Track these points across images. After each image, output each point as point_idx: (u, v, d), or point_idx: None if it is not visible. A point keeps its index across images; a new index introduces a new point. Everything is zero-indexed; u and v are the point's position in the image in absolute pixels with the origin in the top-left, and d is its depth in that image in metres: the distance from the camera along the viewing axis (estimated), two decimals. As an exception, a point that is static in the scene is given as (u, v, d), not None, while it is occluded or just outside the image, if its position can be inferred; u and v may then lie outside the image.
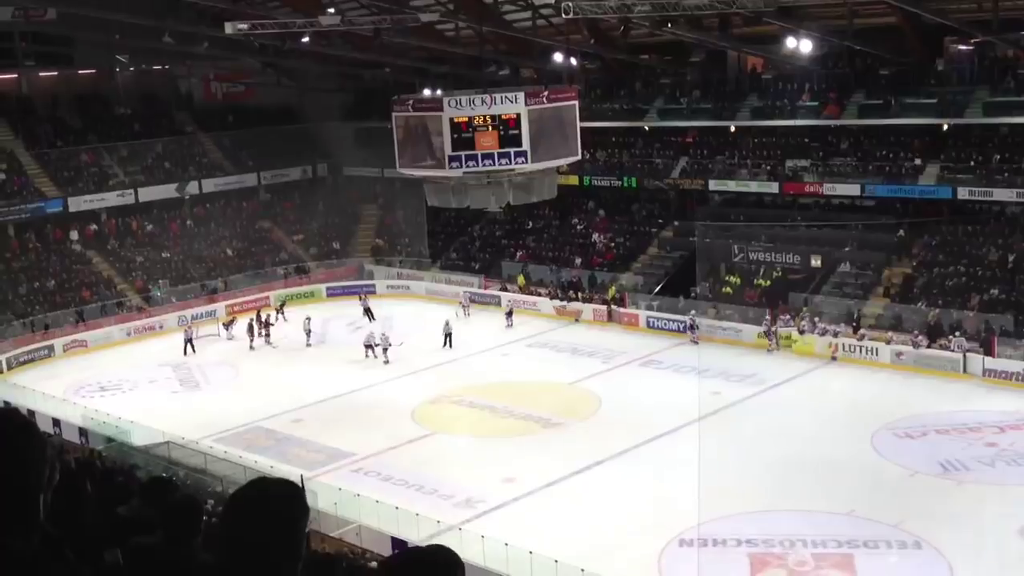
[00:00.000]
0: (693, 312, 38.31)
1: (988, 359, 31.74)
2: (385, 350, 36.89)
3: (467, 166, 29.30)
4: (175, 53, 47.54)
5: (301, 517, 2.49)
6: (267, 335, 40.14)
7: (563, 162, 32.70)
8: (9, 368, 37.96)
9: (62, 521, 3.14)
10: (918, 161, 39.03)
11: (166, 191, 49.25)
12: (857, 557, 20.97)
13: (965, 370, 31.84)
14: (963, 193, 37.15)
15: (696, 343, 36.73)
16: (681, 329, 38.22)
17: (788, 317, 36.42)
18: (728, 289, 40.23)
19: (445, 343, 37.73)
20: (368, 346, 37.45)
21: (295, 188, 53.29)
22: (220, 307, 44.24)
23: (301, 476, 23.27)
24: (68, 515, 3.84)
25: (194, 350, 39.03)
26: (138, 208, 48.65)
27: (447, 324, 38.44)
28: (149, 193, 48.68)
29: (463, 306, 41.81)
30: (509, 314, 41.07)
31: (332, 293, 46.65)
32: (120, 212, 48.28)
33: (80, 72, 51.24)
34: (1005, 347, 31.98)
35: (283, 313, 41.07)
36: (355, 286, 47.59)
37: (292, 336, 40.60)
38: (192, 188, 49.91)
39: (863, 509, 22.84)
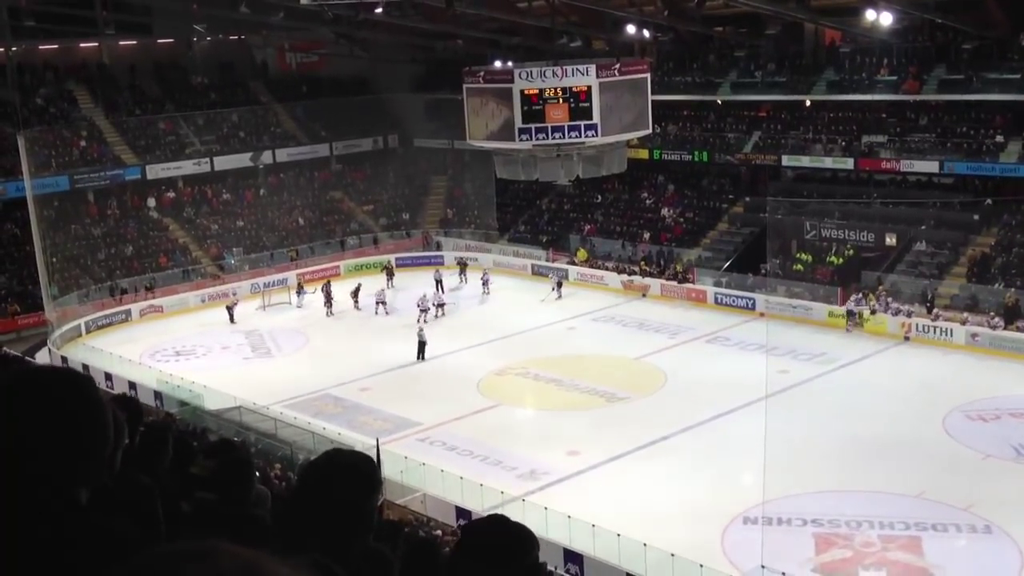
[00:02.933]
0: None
1: (1068, 342, 30.91)
2: (440, 306, 39.10)
3: (537, 139, 29.30)
4: (251, 23, 48.06)
5: (373, 491, 2.56)
6: (329, 305, 40.61)
7: (634, 135, 32.53)
8: (87, 332, 39.13)
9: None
10: (1000, 138, 37.94)
11: (241, 160, 50.03)
12: (925, 540, 20.70)
13: (1043, 353, 31.05)
14: (1046, 171, 36.05)
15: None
16: (748, 306, 37.88)
17: (860, 296, 35.80)
18: (799, 267, 39.66)
19: (419, 356, 34.15)
20: (423, 309, 38.70)
21: (366, 159, 53.74)
22: (292, 275, 44.96)
23: (377, 440, 23.73)
24: (148, 471, 4.01)
25: (233, 320, 39.72)
26: (213, 177, 49.53)
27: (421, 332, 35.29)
28: (224, 162, 49.51)
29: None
30: (558, 285, 41.14)
31: (401, 264, 47.07)
32: (196, 180, 49.22)
33: (158, 41, 52.17)
34: (1086, 330, 31.10)
35: (358, 297, 41.38)
36: (423, 257, 48.04)
37: (363, 304, 41.09)
38: (266, 157, 50.63)
39: (932, 492, 22.50)
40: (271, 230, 48.83)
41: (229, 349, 36.91)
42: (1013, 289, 33.89)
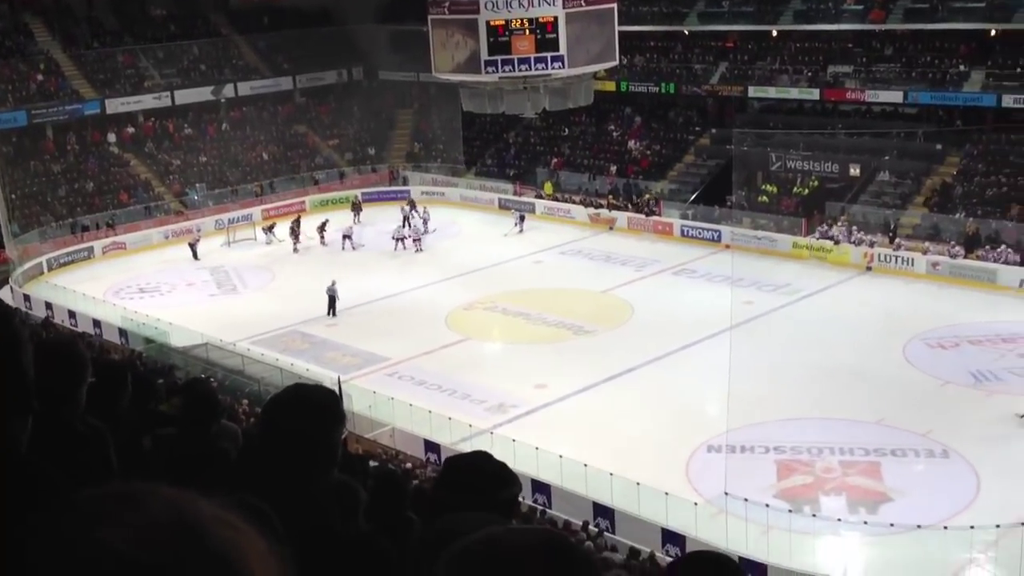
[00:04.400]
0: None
1: (1026, 271, 31.42)
2: (417, 240, 38.94)
3: (503, 71, 29.02)
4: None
5: (336, 425, 2.58)
6: (296, 241, 40.34)
7: (600, 67, 32.29)
8: (50, 269, 38.70)
9: (101, 414, 3.32)
10: (963, 67, 38.07)
11: (202, 94, 49.19)
12: (884, 465, 21.19)
13: (1001, 281, 31.54)
14: (1008, 101, 36.26)
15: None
16: (714, 238, 38.13)
17: (826, 228, 36.08)
18: (764, 198, 39.84)
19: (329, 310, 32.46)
20: (398, 239, 39.12)
21: (330, 92, 53.00)
22: (256, 211, 44.56)
23: (338, 378, 23.78)
24: (108, 408, 4.02)
25: (196, 257, 39.43)
26: (175, 111, 48.70)
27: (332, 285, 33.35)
28: (185, 96, 48.66)
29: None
30: (520, 219, 41.19)
31: (367, 199, 46.73)
32: (157, 115, 48.38)
33: (114, -28, 50.86)
34: (1044, 259, 31.60)
35: (324, 232, 41.05)
36: (390, 192, 47.75)
37: (330, 240, 40.90)
38: (228, 91, 49.79)
39: (892, 418, 22.98)
40: (235, 165, 48.24)
41: (194, 286, 36.68)
42: (972, 218, 34.29)
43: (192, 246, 39.91)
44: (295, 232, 40.30)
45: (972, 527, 17.78)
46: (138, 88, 47.93)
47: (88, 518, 1.06)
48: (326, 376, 24.09)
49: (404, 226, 40.79)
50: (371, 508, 3.79)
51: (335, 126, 52.37)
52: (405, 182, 49.19)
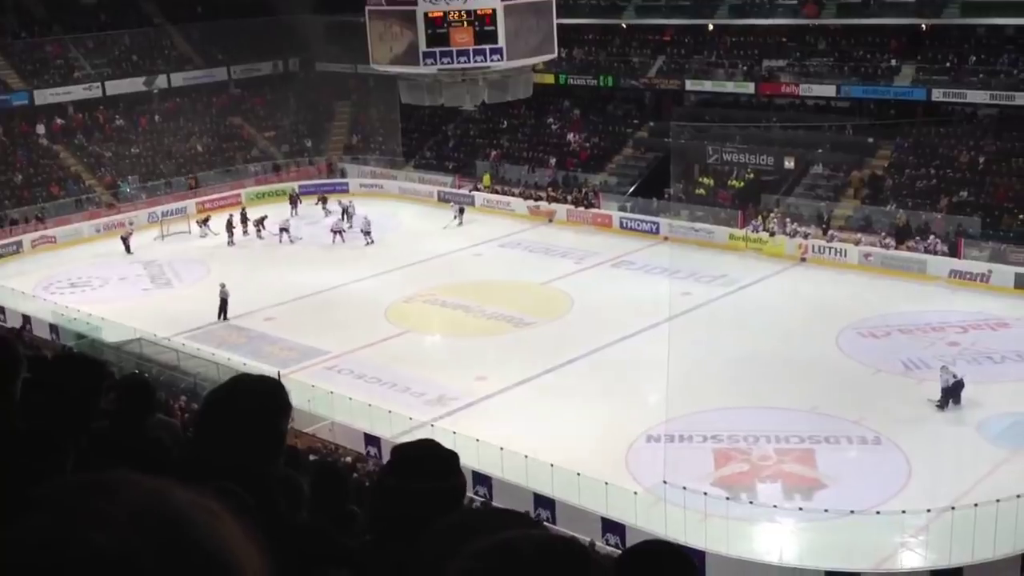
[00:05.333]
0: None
1: (954, 260, 32.18)
2: (367, 233, 38.68)
3: (441, 63, 28.93)
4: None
5: (281, 414, 2.53)
6: (231, 235, 39.76)
7: (539, 60, 32.33)
8: (-22, 264, 37.72)
9: (36, 412, 3.24)
10: (894, 62, 38.85)
11: (134, 85, 48.28)
12: (818, 452, 21.58)
13: (931, 271, 32.28)
14: (937, 95, 37.10)
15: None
16: (653, 230, 38.46)
17: (759, 222, 36.60)
18: (701, 191, 40.27)
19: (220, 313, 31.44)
20: (336, 231, 38.92)
21: (266, 83, 52.35)
22: (191, 204, 43.88)
23: (278, 373, 23.51)
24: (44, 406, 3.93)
25: (129, 251, 38.72)
26: (105, 102, 47.73)
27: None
28: (117, 87, 47.71)
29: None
30: (460, 212, 41.14)
31: (305, 191, 46.28)
32: (87, 106, 47.40)
33: (41, -40, 49.64)
34: (971, 248, 32.40)
35: (263, 225, 40.53)
36: (328, 184, 47.33)
37: (267, 233, 40.45)
38: (161, 82, 48.95)
39: (826, 406, 23.40)
40: (168, 157, 47.43)
41: (127, 280, 36.01)
42: (903, 210, 35.03)
43: (124, 240, 39.17)
44: (231, 225, 39.75)
45: (903, 512, 18.20)
46: (68, 79, 46.90)
47: (62, 510, 1.02)
48: (265, 371, 23.80)
49: (342, 219, 40.50)
50: (313, 502, 3.75)
51: (271, 118, 51.75)
52: (343, 175, 48.81)
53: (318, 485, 4.59)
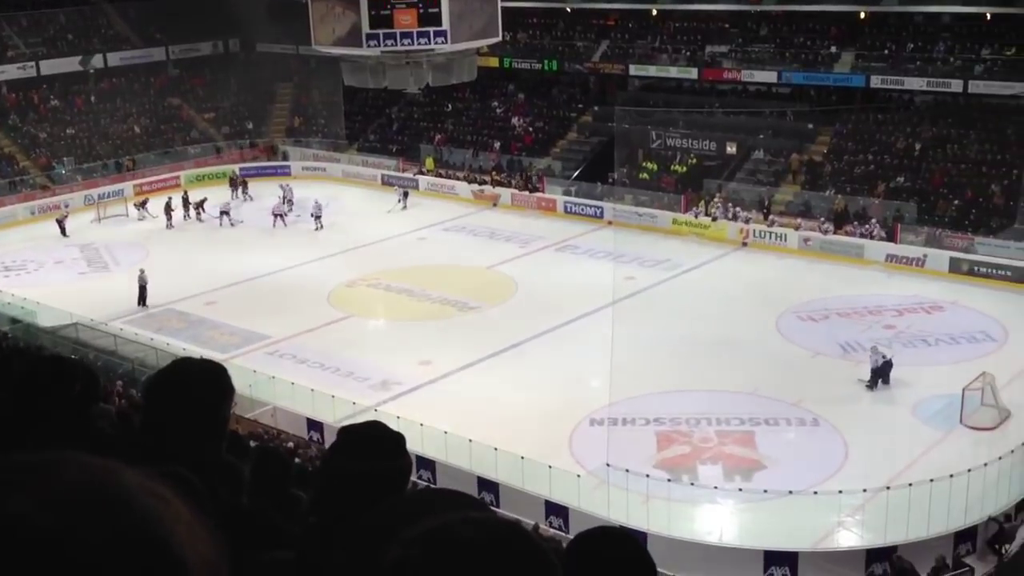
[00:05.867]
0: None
1: (891, 245, 32.79)
2: (318, 217, 38.20)
3: (385, 45, 28.64)
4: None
5: (225, 396, 2.51)
6: (170, 218, 39.14)
7: (483, 43, 32.14)
8: (-93, 248, 36.68)
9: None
10: (834, 49, 39.37)
11: (70, 64, 47.21)
12: (758, 434, 21.91)
13: (869, 256, 32.86)
14: (876, 81, 37.72)
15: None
16: (597, 215, 38.63)
17: (701, 207, 36.93)
18: (645, 175, 40.51)
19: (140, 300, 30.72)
20: (277, 215, 38.46)
21: (205, 64, 51.50)
22: (128, 186, 43.09)
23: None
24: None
25: (65, 234, 37.94)
26: (40, 82, 46.64)
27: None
28: (52, 66, 46.64)
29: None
30: (404, 196, 40.96)
31: (246, 174, 45.68)
32: (21, 86, 46.25)
33: (-29, -66, 48.25)
34: (907, 233, 33.04)
35: (203, 208, 40.00)
36: (270, 167, 46.79)
37: (207, 216, 39.90)
38: (97, 61, 47.94)
39: (766, 389, 23.74)
40: (104, 138, 46.49)
41: (63, 264, 35.28)
42: (841, 195, 35.58)
43: (60, 222, 38.32)
44: (170, 208, 39.08)
45: (840, 492, 18.55)
46: (1, 58, 45.69)
47: (2, 486, 0.99)
48: (205, 356, 23.51)
49: (283, 202, 40.06)
50: (255, 486, 3.70)
51: (211, 99, 50.94)
52: (285, 157, 48.25)
53: (259, 470, 4.54)
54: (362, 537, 1.66)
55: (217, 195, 41.19)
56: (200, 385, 2.49)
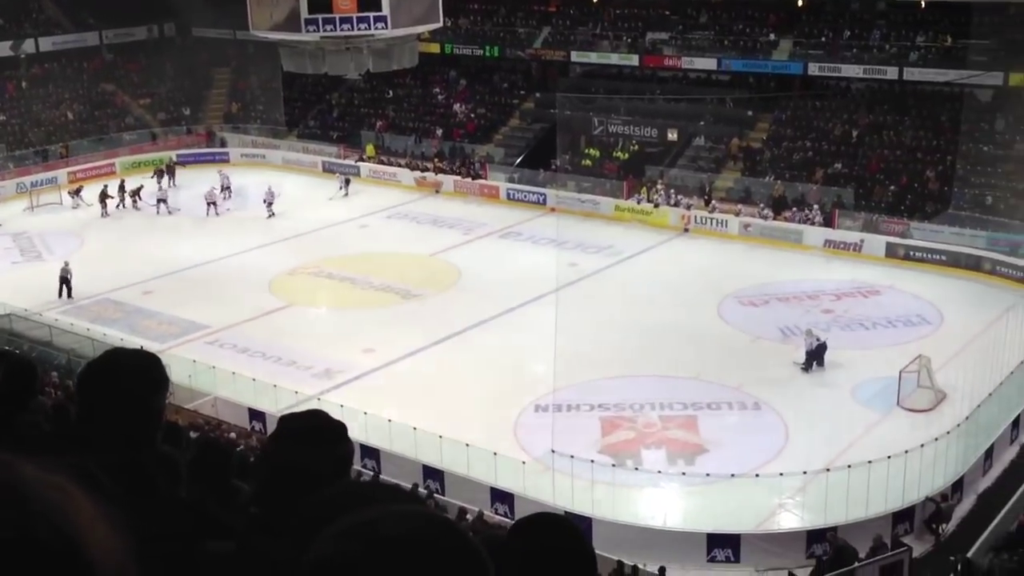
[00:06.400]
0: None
1: (829, 230, 33.28)
2: (270, 204, 37.68)
3: (324, 30, 28.30)
4: None
5: (158, 387, 2.46)
6: (105, 206, 38.30)
7: (424, 28, 31.97)
8: None
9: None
10: (772, 36, 39.77)
11: (0, 49, 45.94)
12: (700, 418, 22.12)
13: (807, 241, 33.31)
14: (813, 69, 38.17)
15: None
16: (540, 201, 38.68)
17: (643, 194, 37.14)
18: (588, 162, 40.62)
19: (61, 291, 30.07)
20: (210, 203, 37.86)
21: (140, 49, 50.47)
22: (62, 174, 42.15)
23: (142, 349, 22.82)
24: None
25: None
26: (-33, 67, 45.37)
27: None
28: (-21, 51, 45.38)
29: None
30: (346, 183, 40.67)
31: (183, 160, 44.90)
32: (-53, 71, 44.97)
33: None
34: (845, 219, 33.55)
35: (139, 196, 39.26)
36: (207, 153, 46.09)
37: (143, 203, 39.18)
38: (28, 47, 46.72)
39: (708, 373, 23.98)
40: (37, 125, 45.38)
41: (-5, 254, 34.43)
42: (781, 182, 36.02)
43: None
44: (105, 196, 38.25)
45: (781, 474, 18.82)
46: (-75, 41, 44.38)
47: None
48: (142, 346, 23.10)
49: (220, 190, 39.46)
50: (194, 477, 3.62)
51: (146, 85, 49.97)
52: (223, 144, 47.53)
53: (199, 461, 4.44)
54: (298, 527, 1.63)
55: (153, 182, 40.38)
56: (132, 376, 2.44)
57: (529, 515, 2.16)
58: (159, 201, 38.57)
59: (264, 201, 37.93)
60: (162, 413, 2.57)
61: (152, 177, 40.86)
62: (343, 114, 47.87)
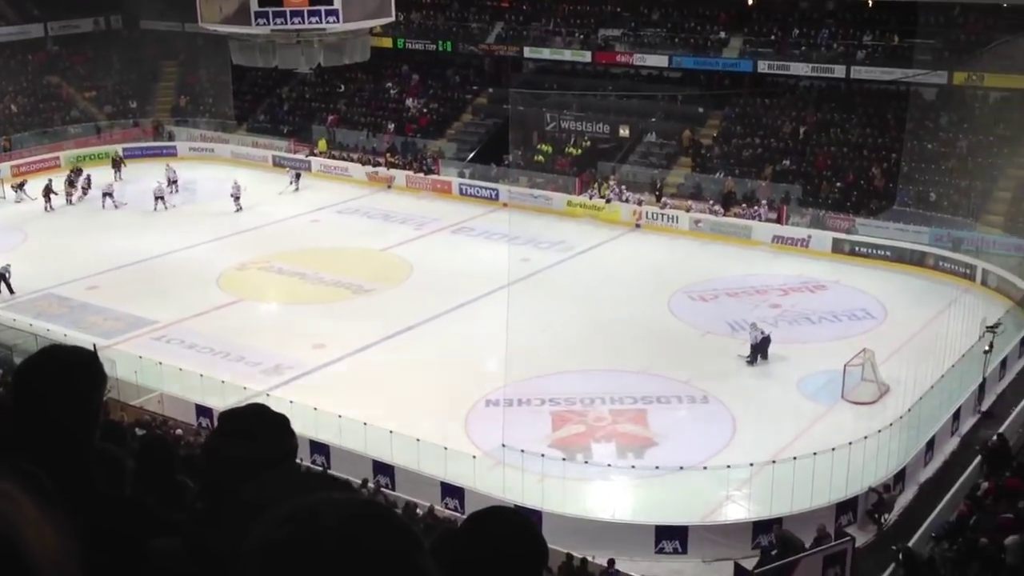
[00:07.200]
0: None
1: (777, 226, 33.69)
2: (237, 199, 37.28)
3: (275, 23, 28.05)
4: None
5: (95, 385, 2.42)
6: (49, 200, 37.62)
7: (376, 23, 31.80)
8: None
9: None
10: (723, 34, 40.12)
11: (-62, 40, 45.04)
12: (650, 412, 22.31)
13: (756, 237, 33.69)
14: (763, 67, 38.54)
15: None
16: (492, 197, 38.70)
17: (595, 189, 37.32)
18: (540, 158, 40.69)
19: None
20: (159, 197, 37.47)
21: (87, 41, 49.63)
22: (5, 167, 41.35)
23: (94, 345, 22.51)
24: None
25: None
26: (-94, 57, 44.33)
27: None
28: (-82, 41, 44.36)
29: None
30: (296, 178, 40.35)
31: (130, 155, 44.25)
32: None
33: None
34: (793, 215, 33.98)
35: (85, 190, 38.70)
36: (154, 147, 45.49)
37: (89, 197, 38.59)
38: (-32, 37, 45.75)
39: (658, 367, 24.18)
40: (-21, 117, 44.48)
41: (-66, 248, 33.68)
42: (731, 178, 36.38)
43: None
44: (49, 191, 37.53)
45: (728, 467, 19.02)
46: None
47: None
48: (87, 342, 22.75)
49: (167, 185, 38.98)
50: (139, 475, 3.62)
51: (92, 77, 49.16)
52: (171, 138, 46.94)
53: (144, 458, 4.43)
54: (236, 514, 1.64)
55: (98, 176, 39.76)
56: (69, 372, 2.41)
57: (482, 509, 2.18)
58: (105, 195, 38.00)
59: (231, 196, 37.53)
60: (100, 410, 2.56)
61: (113, 170, 40.32)
62: (294, 108, 47.49)
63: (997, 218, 31.92)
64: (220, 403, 21.42)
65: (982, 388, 22.37)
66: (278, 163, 43.46)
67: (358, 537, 1.22)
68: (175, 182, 39.54)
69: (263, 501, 1.54)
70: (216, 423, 2.46)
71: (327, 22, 28.27)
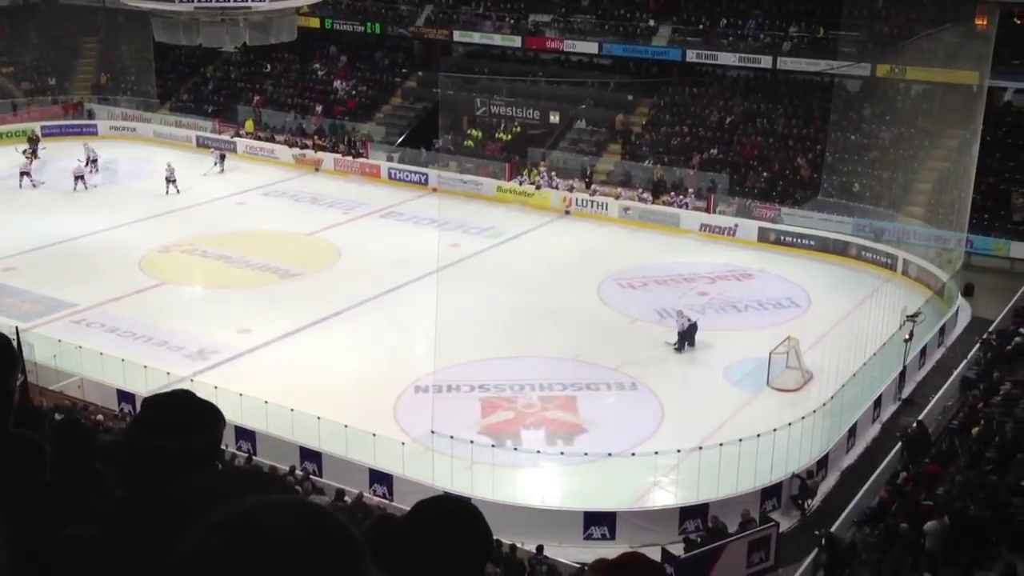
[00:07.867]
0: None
1: (705, 215, 34.04)
2: (172, 182, 36.40)
3: (198, 1, 27.43)
4: None
5: (8, 369, 2.36)
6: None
7: (303, 2, 31.41)
8: None
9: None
10: (652, 23, 40.34)
11: None
12: (579, 398, 22.39)
13: (684, 225, 34.00)
14: (691, 56, 38.86)
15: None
16: (422, 181, 38.43)
17: (525, 175, 37.30)
18: (470, 143, 40.52)
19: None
20: (78, 177, 36.61)
21: (3, 15, 48.01)
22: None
23: (16, 328, 21.85)
24: None
25: None
26: None
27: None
28: None
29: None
30: (221, 159, 39.62)
31: (48, 133, 42.96)
32: None
33: None
34: (720, 204, 34.36)
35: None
36: (74, 126, 44.24)
37: (4, 176, 37.37)
38: None
39: (587, 354, 24.27)
40: None
41: None
42: (660, 166, 36.65)
43: None
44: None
45: (656, 453, 19.19)
46: None
47: None
48: (4, 325, 22.04)
49: (86, 164, 37.92)
50: (57, 461, 3.44)
51: (9, 53, 47.59)
52: (91, 116, 45.68)
53: (61, 444, 4.23)
54: (168, 513, 1.55)
55: (10, 156, 38.49)
56: None
57: (428, 498, 2.12)
58: (22, 174, 36.85)
59: (166, 179, 36.54)
60: (12, 394, 2.42)
61: (22, 152, 38.81)
62: (219, 88, 46.56)
63: (918, 209, 32.67)
64: (143, 388, 20.97)
65: (902, 376, 22.92)
66: (202, 143, 42.58)
67: (298, 550, 1.17)
68: (95, 161, 38.47)
69: (198, 501, 1.47)
70: (139, 410, 2.33)
71: (253, 0, 27.75)
